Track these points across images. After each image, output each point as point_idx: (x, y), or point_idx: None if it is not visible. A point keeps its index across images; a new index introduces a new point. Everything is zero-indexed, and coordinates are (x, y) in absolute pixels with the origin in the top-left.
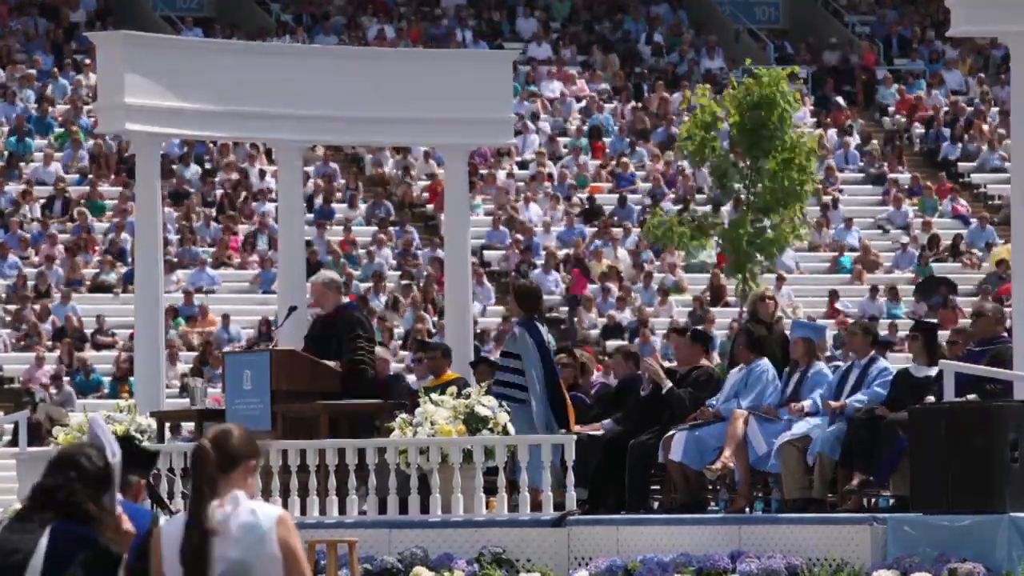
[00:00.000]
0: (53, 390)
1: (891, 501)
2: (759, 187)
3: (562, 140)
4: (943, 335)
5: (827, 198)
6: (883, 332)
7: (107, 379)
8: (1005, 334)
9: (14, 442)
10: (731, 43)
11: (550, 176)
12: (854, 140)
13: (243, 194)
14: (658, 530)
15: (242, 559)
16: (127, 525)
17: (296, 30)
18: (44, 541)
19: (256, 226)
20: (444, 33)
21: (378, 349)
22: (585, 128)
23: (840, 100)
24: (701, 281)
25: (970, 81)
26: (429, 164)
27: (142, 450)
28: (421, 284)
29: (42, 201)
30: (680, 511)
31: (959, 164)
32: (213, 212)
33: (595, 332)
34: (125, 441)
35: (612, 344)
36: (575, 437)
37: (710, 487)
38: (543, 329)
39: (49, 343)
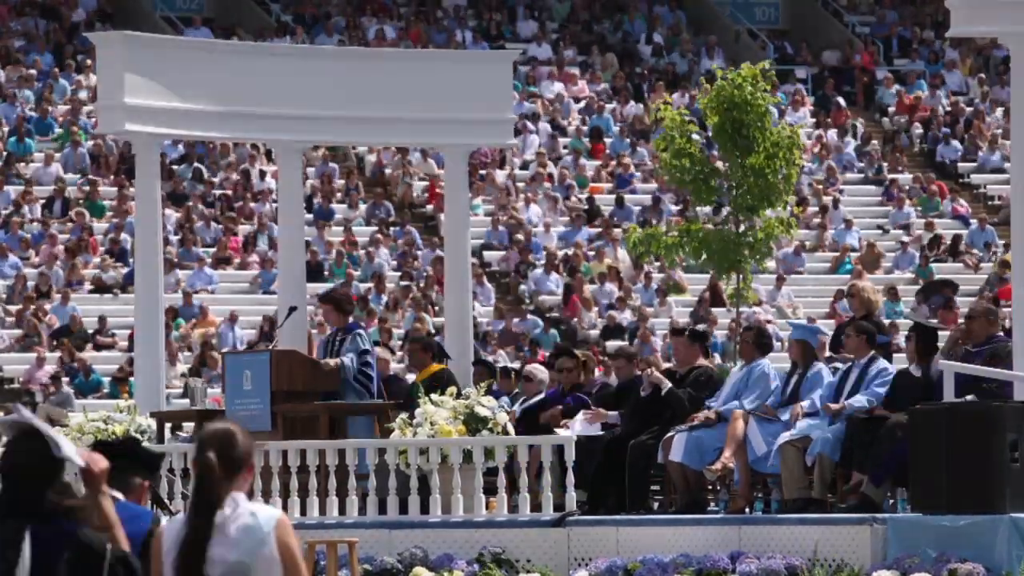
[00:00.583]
0: (52, 391)
1: (891, 501)
2: (744, 187)
3: (562, 140)
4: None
5: (827, 199)
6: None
7: (107, 379)
8: (1001, 333)
9: None
10: (731, 43)
11: (550, 176)
12: (854, 141)
13: (244, 194)
14: (658, 530)
15: (241, 561)
16: (109, 510)
17: (296, 30)
18: (27, 546)
19: (256, 226)
20: (444, 33)
21: (378, 349)
22: (585, 128)
23: (840, 100)
24: (701, 281)
25: (970, 81)
26: (429, 164)
27: (146, 452)
28: (421, 284)
29: (42, 201)
30: (680, 511)
31: (959, 164)
32: (213, 212)
33: (595, 332)
34: (129, 443)
35: (612, 344)
36: (575, 438)
37: (710, 487)
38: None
39: (49, 343)
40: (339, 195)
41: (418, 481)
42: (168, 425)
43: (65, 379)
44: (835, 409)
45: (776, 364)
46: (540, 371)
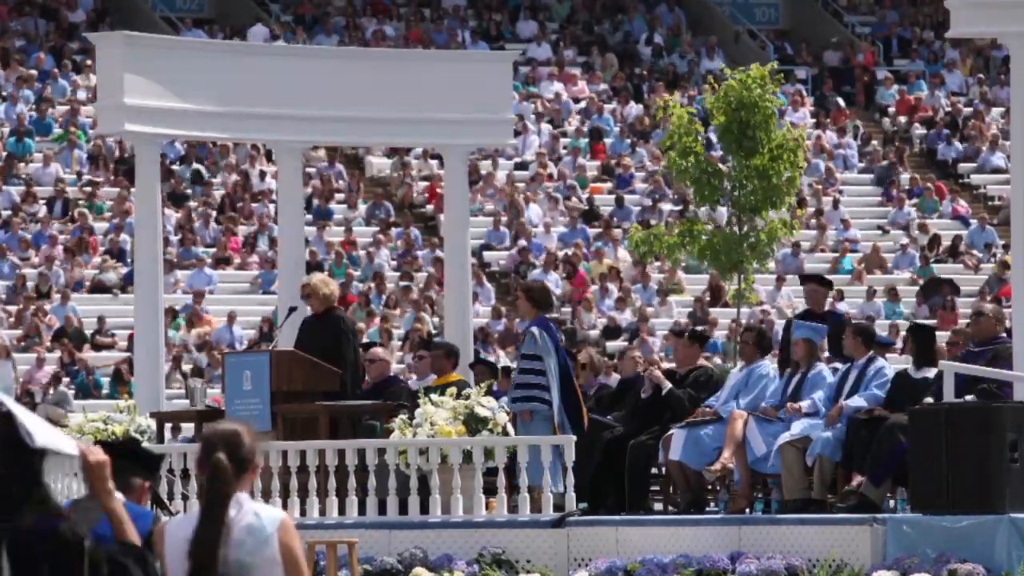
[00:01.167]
0: (52, 391)
1: (891, 503)
2: (748, 187)
3: (562, 141)
4: (942, 336)
5: (827, 199)
6: (883, 333)
7: (107, 380)
8: (1004, 334)
9: None
10: (731, 44)
11: (550, 176)
12: (854, 141)
13: (244, 195)
14: (658, 531)
15: (244, 561)
16: (117, 508)
17: (296, 30)
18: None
19: (256, 227)
20: (444, 33)
21: (378, 350)
22: (585, 129)
23: (840, 100)
24: (701, 281)
25: (970, 82)
26: (429, 164)
27: (147, 453)
28: (421, 285)
29: (42, 202)
30: (680, 511)
31: (959, 165)
32: (213, 213)
33: (595, 332)
34: (129, 443)
35: (612, 345)
36: (574, 438)
37: (710, 487)
38: (555, 328)
39: (49, 344)
40: (339, 195)
41: (418, 481)
42: (168, 425)
43: (65, 379)
44: (832, 415)
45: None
46: None
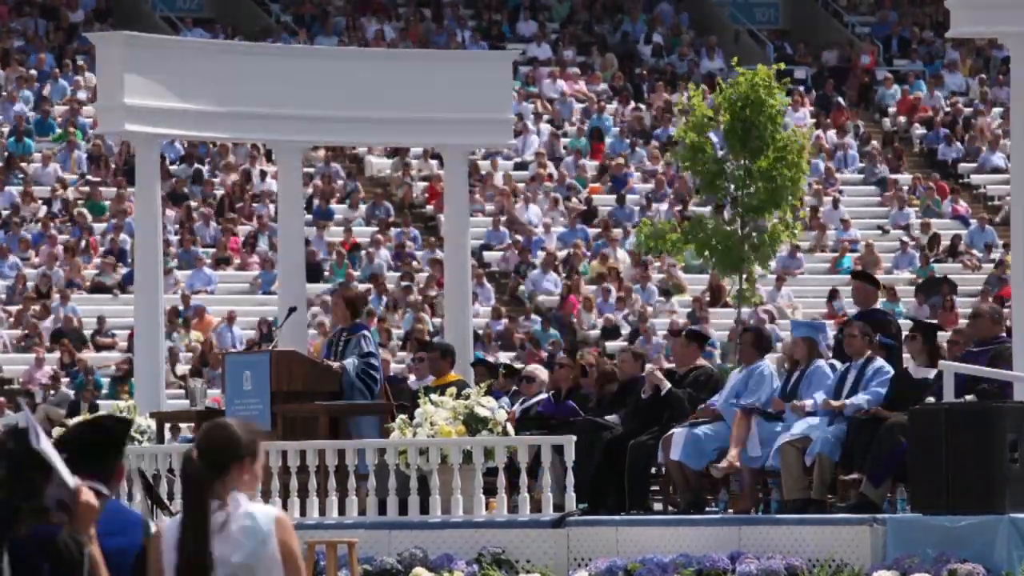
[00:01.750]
0: (52, 391)
1: (891, 502)
2: (752, 188)
3: (562, 141)
4: (943, 336)
5: (827, 198)
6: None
7: (107, 380)
8: (1004, 334)
9: None
10: (731, 44)
11: (550, 176)
12: (854, 141)
13: (243, 195)
14: (658, 530)
15: (244, 563)
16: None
17: (298, 31)
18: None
19: (256, 227)
20: (444, 33)
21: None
22: (585, 129)
23: (840, 100)
24: (701, 281)
25: (970, 82)
26: (429, 164)
27: (112, 422)
28: (421, 285)
29: (42, 202)
30: (680, 511)
31: (959, 164)
32: (213, 213)
33: (595, 333)
34: (95, 420)
35: (612, 345)
36: (574, 438)
37: (710, 487)
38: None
39: (49, 344)
40: (339, 195)
41: (418, 481)
42: (168, 425)
43: (65, 379)
44: (836, 406)
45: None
46: (540, 371)
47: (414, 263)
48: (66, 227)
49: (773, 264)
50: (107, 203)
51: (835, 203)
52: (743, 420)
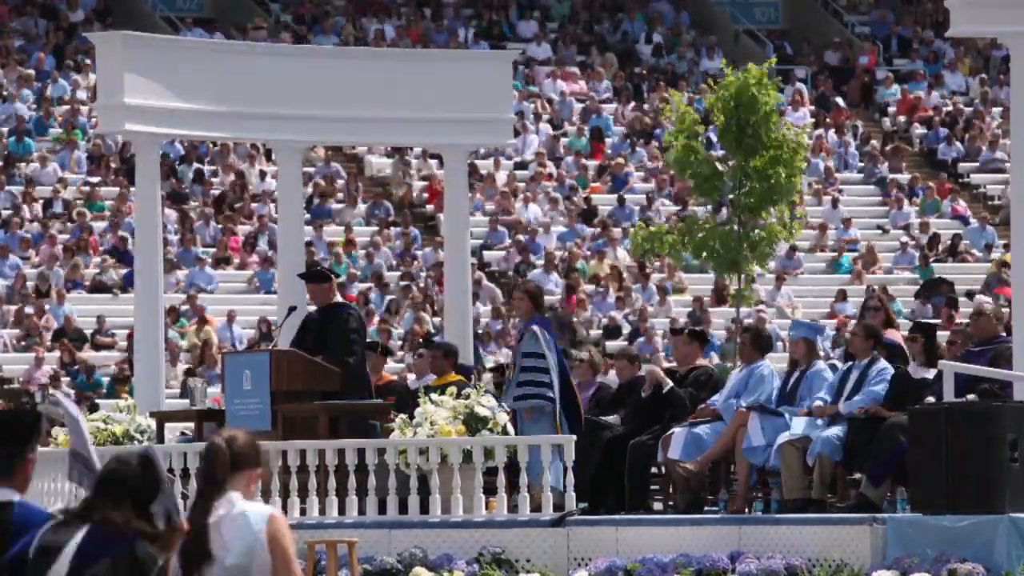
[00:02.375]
0: (51, 391)
1: (891, 502)
2: (748, 188)
3: (562, 141)
4: (942, 335)
5: (827, 198)
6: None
7: (107, 379)
8: (1004, 334)
9: None
10: (731, 43)
11: (550, 176)
12: (854, 141)
13: (243, 195)
14: (658, 530)
15: (238, 563)
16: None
17: (300, 32)
18: (77, 539)
19: (256, 226)
20: (444, 33)
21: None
22: (585, 129)
23: (840, 100)
24: (701, 281)
25: (970, 81)
26: (429, 164)
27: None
28: (421, 285)
29: (42, 202)
30: (680, 511)
31: (959, 164)
32: (213, 212)
33: (595, 332)
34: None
35: (612, 344)
36: (574, 438)
37: (710, 487)
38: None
39: (49, 344)
40: (339, 195)
41: (418, 481)
42: (168, 425)
43: (65, 379)
44: (827, 412)
45: (776, 365)
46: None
47: (414, 263)
48: (66, 227)
49: (772, 264)
50: (107, 203)
51: (835, 203)
52: (738, 421)
